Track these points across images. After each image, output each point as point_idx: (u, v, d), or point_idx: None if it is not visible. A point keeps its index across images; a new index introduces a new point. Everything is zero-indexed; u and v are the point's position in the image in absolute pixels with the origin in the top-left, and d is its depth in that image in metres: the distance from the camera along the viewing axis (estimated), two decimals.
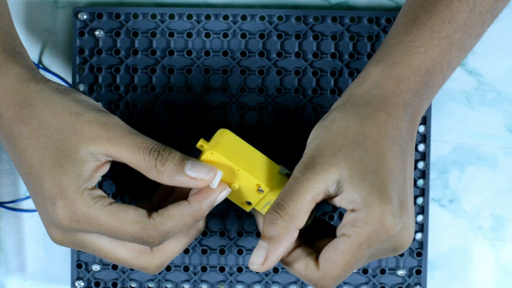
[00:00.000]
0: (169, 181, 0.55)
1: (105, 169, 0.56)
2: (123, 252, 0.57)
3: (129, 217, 0.54)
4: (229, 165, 0.56)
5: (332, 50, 0.67)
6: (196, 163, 0.55)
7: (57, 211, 0.54)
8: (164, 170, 0.55)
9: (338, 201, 0.55)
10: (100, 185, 0.67)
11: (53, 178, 0.54)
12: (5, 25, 0.58)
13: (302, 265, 0.56)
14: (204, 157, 0.56)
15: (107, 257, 0.57)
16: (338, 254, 0.54)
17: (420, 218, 0.68)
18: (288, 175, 0.58)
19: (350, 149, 0.54)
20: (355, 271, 0.61)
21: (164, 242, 0.56)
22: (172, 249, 0.58)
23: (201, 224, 0.59)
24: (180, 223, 0.55)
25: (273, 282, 0.68)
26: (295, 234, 0.55)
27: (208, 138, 0.57)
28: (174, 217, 0.55)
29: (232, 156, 0.56)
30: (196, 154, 0.58)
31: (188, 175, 0.55)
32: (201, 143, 0.57)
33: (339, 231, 0.55)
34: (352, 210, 0.54)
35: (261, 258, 0.55)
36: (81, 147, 0.54)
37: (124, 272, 0.68)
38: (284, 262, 0.57)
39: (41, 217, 0.56)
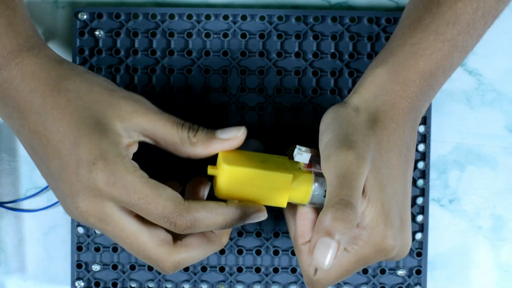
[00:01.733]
0: (203, 149, 0.56)
1: (135, 148, 0.56)
2: (146, 237, 0.55)
3: (166, 192, 0.54)
4: (248, 171, 0.56)
5: (332, 50, 0.67)
6: (226, 128, 0.57)
7: (96, 172, 0.53)
8: (197, 140, 0.56)
9: None
10: None
11: (92, 142, 0.54)
12: (28, 16, 0.59)
13: (308, 261, 0.56)
14: (222, 177, 0.56)
15: (127, 239, 0.55)
16: (335, 266, 0.55)
17: (420, 218, 0.68)
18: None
19: (373, 153, 0.54)
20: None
21: (190, 232, 0.55)
22: (192, 252, 0.57)
23: (224, 239, 0.59)
24: (212, 217, 0.55)
25: (273, 282, 0.68)
26: None
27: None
28: (208, 209, 0.55)
29: (247, 164, 0.56)
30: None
31: (221, 137, 0.56)
32: (210, 169, 0.57)
33: None
34: (357, 224, 0.54)
35: (332, 258, 0.51)
36: (117, 121, 0.55)
37: (124, 272, 0.68)
38: (297, 246, 0.57)
39: (66, 190, 0.55)
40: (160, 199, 0.53)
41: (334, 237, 0.50)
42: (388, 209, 0.53)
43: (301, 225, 0.57)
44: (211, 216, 0.55)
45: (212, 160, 0.58)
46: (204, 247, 0.58)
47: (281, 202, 0.56)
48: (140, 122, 0.55)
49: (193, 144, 0.56)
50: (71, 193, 0.54)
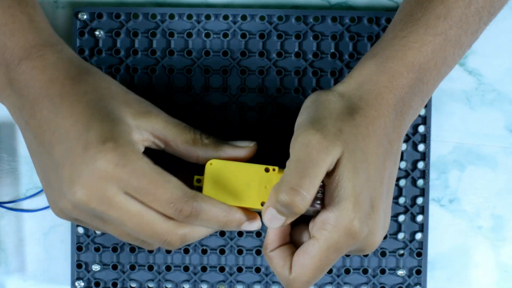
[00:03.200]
0: (214, 152, 0.57)
1: (143, 148, 0.57)
2: (152, 213, 0.55)
3: (174, 180, 0.54)
4: (231, 168, 0.57)
5: (332, 50, 0.67)
6: (238, 141, 0.59)
7: (105, 152, 0.53)
8: (209, 142, 0.57)
9: (325, 180, 0.55)
10: None
11: (104, 125, 0.54)
12: (45, 17, 0.60)
13: (280, 264, 0.57)
14: (206, 171, 0.57)
15: (133, 218, 0.54)
16: (308, 259, 0.55)
17: (420, 218, 0.68)
18: None
19: (348, 136, 0.55)
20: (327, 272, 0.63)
21: (191, 221, 0.55)
22: (197, 227, 0.57)
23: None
24: (215, 212, 0.55)
25: (273, 282, 0.68)
26: None
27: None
28: (213, 202, 0.55)
29: (225, 193, 0.57)
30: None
31: (233, 144, 0.58)
32: (197, 177, 0.58)
33: (311, 229, 0.56)
34: (325, 207, 0.55)
35: (277, 225, 0.55)
36: (130, 118, 0.55)
37: (124, 272, 0.68)
38: (266, 254, 0.58)
39: (66, 175, 0.54)
40: (169, 185, 0.53)
41: (282, 215, 0.55)
42: (358, 193, 0.54)
43: (272, 232, 0.58)
44: (215, 210, 0.55)
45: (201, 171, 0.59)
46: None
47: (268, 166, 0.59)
48: (152, 122, 0.56)
49: (205, 145, 0.57)
50: (72, 178, 0.53)
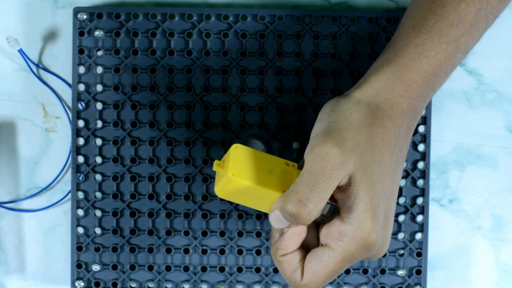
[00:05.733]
0: None
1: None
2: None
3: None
4: (255, 155, 0.57)
5: (332, 50, 0.67)
6: None
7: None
8: None
9: (338, 196, 0.55)
10: (99, 185, 0.67)
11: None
12: None
13: (291, 269, 0.57)
14: (232, 153, 0.56)
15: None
16: (322, 267, 0.55)
17: (420, 218, 0.68)
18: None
19: (364, 149, 0.54)
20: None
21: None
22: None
23: None
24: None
25: (273, 282, 0.68)
26: None
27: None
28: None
29: (251, 175, 0.56)
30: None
31: None
32: (216, 166, 0.57)
33: (325, 238, 0.55)
34: (342, 219, 0.54)
35: (281, 225, 0.56)
36: None
37: (124, 272, 0.68)
38: (276, 258, 0.57)
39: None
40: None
41: (287, 220, 0.55)
42: (376, 205, 0.54)
43: (289, 239, 0.57)
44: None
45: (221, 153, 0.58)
46: None
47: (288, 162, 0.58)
48: None
49: None
50: None
